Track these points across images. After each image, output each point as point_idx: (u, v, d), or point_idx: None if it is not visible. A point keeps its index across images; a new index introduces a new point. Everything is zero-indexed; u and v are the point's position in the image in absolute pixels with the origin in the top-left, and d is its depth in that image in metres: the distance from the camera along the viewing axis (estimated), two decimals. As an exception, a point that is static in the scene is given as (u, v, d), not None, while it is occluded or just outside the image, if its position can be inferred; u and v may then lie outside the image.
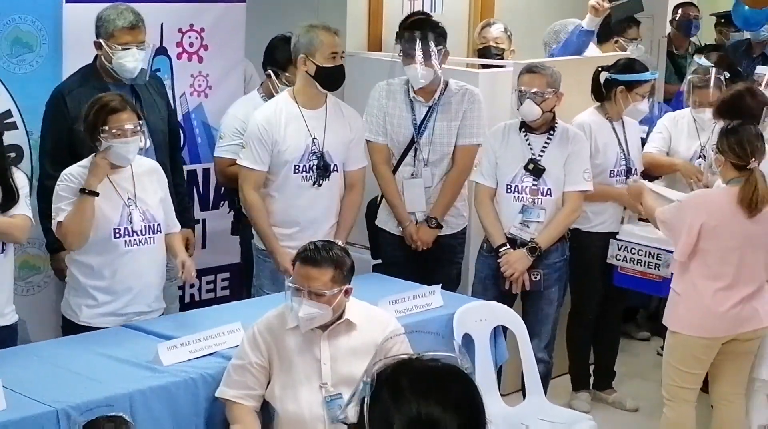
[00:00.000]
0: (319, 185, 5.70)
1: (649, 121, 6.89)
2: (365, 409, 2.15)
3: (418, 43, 5.96)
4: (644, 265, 6.28)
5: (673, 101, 7.73)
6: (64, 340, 5.01)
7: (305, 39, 5.60)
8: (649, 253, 6.26)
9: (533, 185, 5.97)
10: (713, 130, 6.53)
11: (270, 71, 6.11)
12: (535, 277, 6.00)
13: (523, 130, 6.02)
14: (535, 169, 5.97)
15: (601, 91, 6.46)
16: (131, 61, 5.51)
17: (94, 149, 5.00)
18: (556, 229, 6.00)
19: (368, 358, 4.24)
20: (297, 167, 5.69)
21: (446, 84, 6.16)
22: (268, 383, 4.37)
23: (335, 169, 5.73)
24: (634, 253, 6.33)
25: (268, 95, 6.10)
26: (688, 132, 6.77)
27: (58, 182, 5.04)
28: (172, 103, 6.17)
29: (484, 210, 6.04)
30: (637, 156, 6.54)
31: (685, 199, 5.72)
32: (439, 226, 6.18)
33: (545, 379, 5.94)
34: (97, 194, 4.93)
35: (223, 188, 6.47)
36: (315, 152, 5.68)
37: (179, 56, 6.43)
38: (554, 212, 6.00)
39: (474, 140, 6.13)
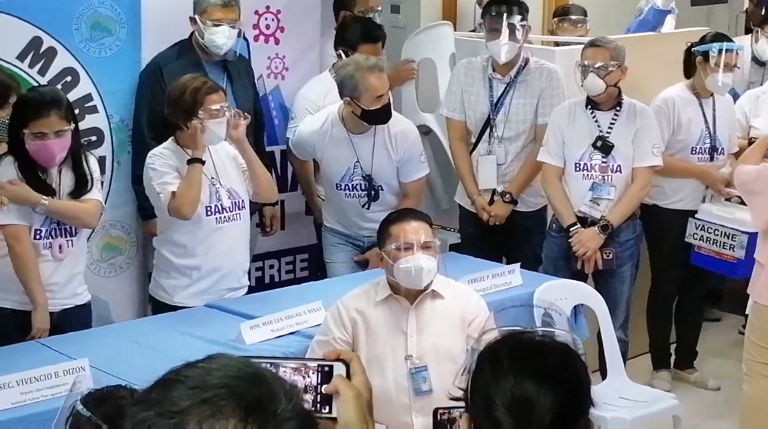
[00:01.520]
0: (368, 208, 5.79)
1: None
2: (469, 378, 2.13)
3: (504, 19, 5.93)
4: (720, 246, 6.20)
5: None
6: (149, 319, 5.08)
7: (350, 83, 5.57)
8: (725, 233, 6.18)
9: (602, 162, 5.90)
10: None
11: (341, 51, 6.12)
12: (608, 256, 5.93)
13: (589, 106, 5.95)
14: (604, 146, 5.89)
15: (689, 67, 6.39)
16: (221, 38, 5.64)
17: (181, 129, 5.06)
18: (627, 205, 5.93)
19: (453, 329, 4.28)
20: (339, 185, 5.79)
21: (526, 61, 6.15)
22: (352, 359, 4.39)
23: (382, 188, 5.80)
24: (710, 233, 6.25)
25: None
26: None
27: (149, 163, 5.11)
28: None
29: (553, 189, 5.98)
30: (725, 135, 6.42)
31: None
32: (514, 202, 6.16)
33: (622, 357, 5.91)
34: (203, 162, 5.03)
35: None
36: (360, 175, 5.76)
37: (256, 38, 6.45)
38: (624, 189, 5.92)
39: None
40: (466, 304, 4.42)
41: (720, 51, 6.25)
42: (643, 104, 6.08)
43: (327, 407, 2.07)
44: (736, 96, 6.75)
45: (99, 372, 4.16)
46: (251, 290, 5.48)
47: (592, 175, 5.92)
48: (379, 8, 6.82)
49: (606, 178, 5.91)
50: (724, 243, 6.18)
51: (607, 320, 5.52)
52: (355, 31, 6.10)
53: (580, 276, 5.91)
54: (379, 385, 4.34)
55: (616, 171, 5.91)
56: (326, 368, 2.08)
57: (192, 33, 5.76)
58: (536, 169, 6.11)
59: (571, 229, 5.90)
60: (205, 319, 4.88)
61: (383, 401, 4.36)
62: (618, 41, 6.04)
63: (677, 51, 6.45)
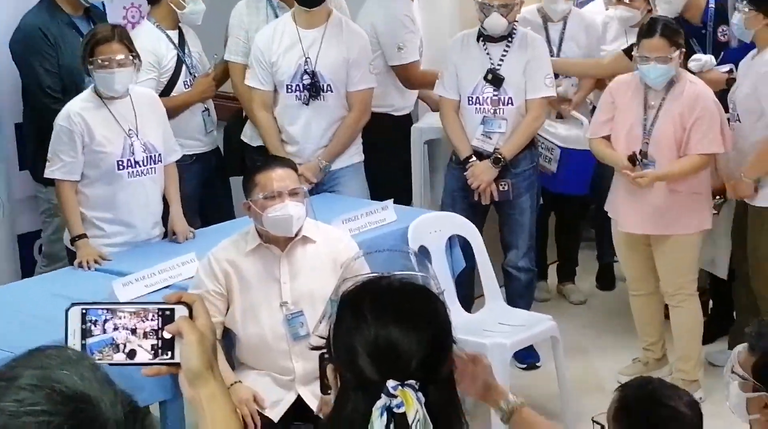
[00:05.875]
0: (307, 104, 5.77)
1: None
2: (330, 329, 2.13)
3: None
4: (544, 159, 6.30)
5: None
6: (19, 284, 4.99)
7: None
8: (547, 146, 6.29)
9: (494, 95, 5.88)
10: None
11: None
12: (503, 188, 5.94)
13: (481, 39, 5.92)
14: (495, 79, 5.87)
15: None
16: None
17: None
18: (520, 138, 5.90)
19: (326, 273, 4.28)
20: (289, 86, 5.80)
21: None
22: (227, 311, 4.40)
23: (329, 89, 5.78)
24: (540, 148, 6.30)
25: (162, 21, 5.92)
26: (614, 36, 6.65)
27: (59, 121, 5.04)
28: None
29: (449, 123, 5.98)
30: (575, 56, 6.46)
31: None
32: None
33: (529, 287, 6.05)
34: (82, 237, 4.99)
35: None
36: (307, 71, 5.74)
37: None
38: (516, 121, 5.91)
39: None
40: (336, 247, 4.43)
41: None
42: (535, 34, 6.06)
43: (169, 353, 2.01)
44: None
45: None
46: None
47: (483, 108, 5.89)
48: None
49: (497, 111, 5.88)
50: (546, 156, 6.29)
51: (481, 249, 5.55)
52: None
53: (479, 207, 5.95)
54: (256, 333, 4.36)
55: (508, 103, 5.88)
56: (167, 312, 2.01)
57: None
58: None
59: (467, 163, 5.92)
60: (76, 279, 4.81)
61: (262, 349, 4.38)
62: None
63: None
